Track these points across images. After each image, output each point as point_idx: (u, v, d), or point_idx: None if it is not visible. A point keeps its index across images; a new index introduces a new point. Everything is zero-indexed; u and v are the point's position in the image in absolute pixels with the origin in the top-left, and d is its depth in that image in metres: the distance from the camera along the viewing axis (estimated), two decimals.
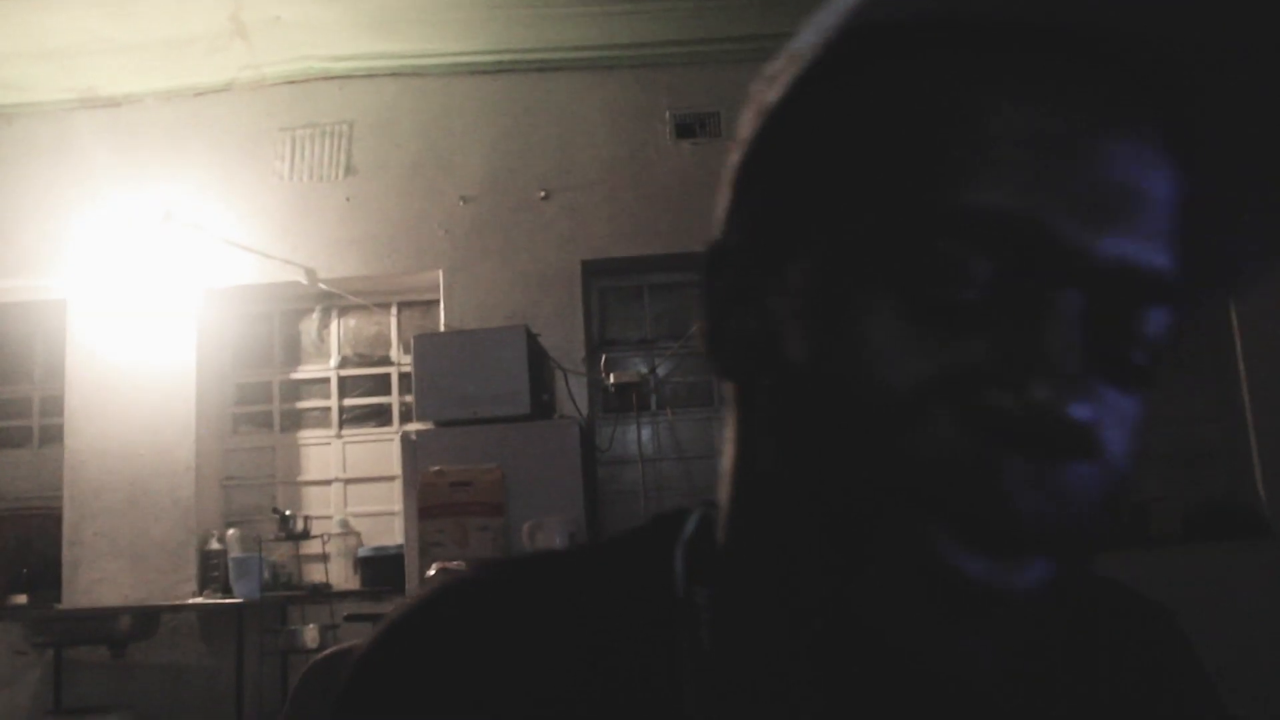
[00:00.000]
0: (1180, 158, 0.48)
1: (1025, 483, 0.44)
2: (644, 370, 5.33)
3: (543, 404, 4.28)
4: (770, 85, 0.51)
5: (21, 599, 4.94)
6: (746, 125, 0.54)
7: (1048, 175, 0.45)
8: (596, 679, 0.54)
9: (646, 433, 5.36)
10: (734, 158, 0.55)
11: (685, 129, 5.36)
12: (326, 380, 5.54)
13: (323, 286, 5.24)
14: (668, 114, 5.36)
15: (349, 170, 5.28)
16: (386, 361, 5.54)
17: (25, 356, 5.63)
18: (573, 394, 4.85)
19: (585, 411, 5.04)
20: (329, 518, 5.26)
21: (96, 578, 4.98)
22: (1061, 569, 0.46)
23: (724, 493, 0.57)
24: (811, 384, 0.48)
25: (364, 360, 5.56)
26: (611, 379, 5.21)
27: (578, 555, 0.62)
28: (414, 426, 4.27)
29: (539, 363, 4.33)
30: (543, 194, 5.26)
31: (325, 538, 5.14)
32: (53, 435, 5.41)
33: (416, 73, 5.23)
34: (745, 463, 0.55)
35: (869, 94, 0.49)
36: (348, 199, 5.25)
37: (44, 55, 4.83)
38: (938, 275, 0.45)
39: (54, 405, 5.42)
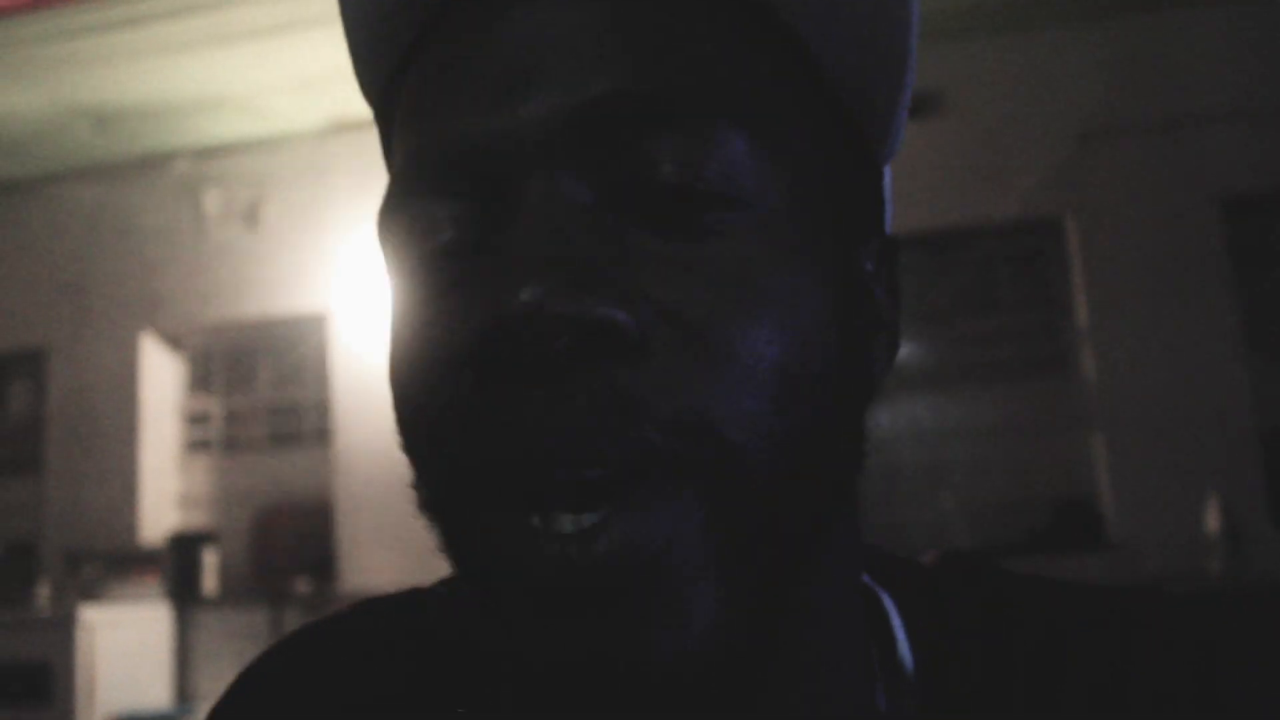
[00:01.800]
0: None
1: (532, 409, 0.35)
2: None
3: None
4: None
5: (303, 585, 5.38)
6: None
7: (447, 89, 0.40)
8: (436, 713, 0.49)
9: (880, 416, 5.32)
10: None
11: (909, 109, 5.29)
12: None
13: None
14: None
15: None
16: None
17: (297, 365, 6.12)
18: None
19: None
20: None
21: (367, 566, 5.38)
22: (695, 506, 0.36)
23: None
24: (393, 401, 0.43)
25: None
26: None
27: (436, 591, 0.55)
28: None
29: None
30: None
31: None
32: (324, 436, 5.86)
33: None
34: None
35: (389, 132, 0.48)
36: None
37: (298, 86, 5.22)
38: (412, 232, 0.41)
39: (326, 408, 5.87)
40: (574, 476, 0.35)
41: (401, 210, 0.41)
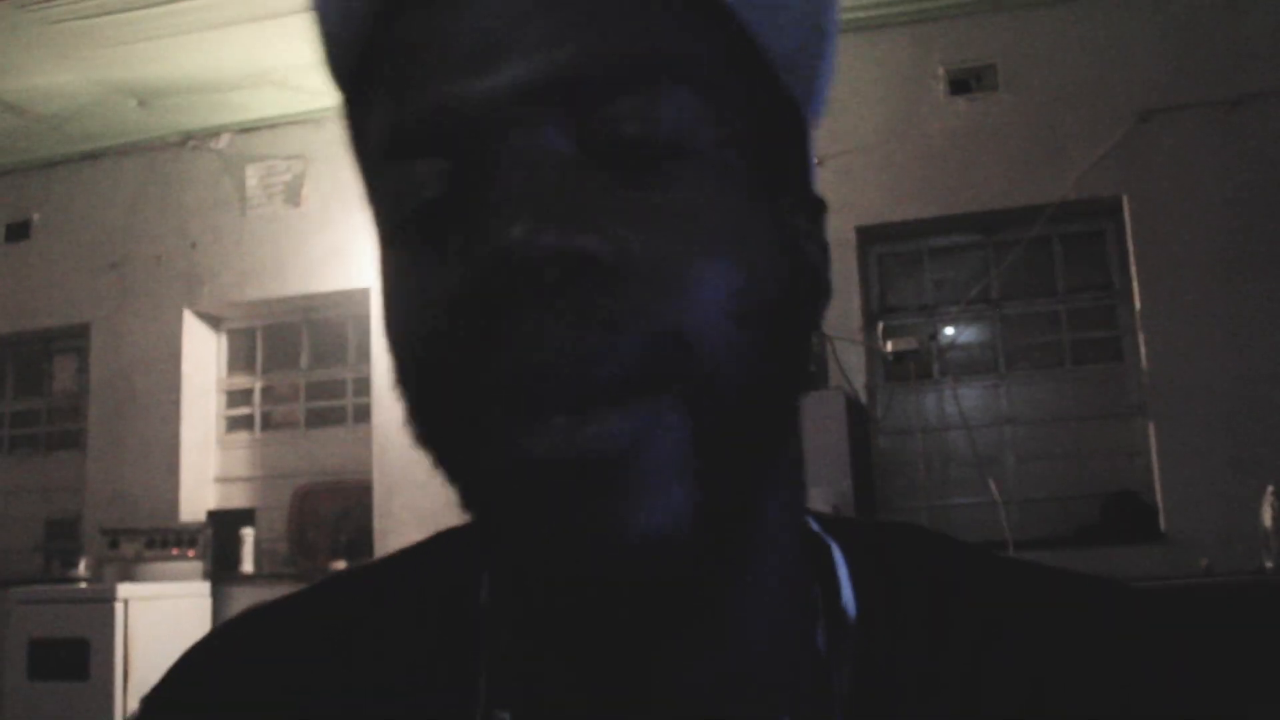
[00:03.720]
0: None
1: (527, 329, 0.39)
2: (924, 337, 5.19)
3: (809, 376, 4.26)
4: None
5: (340, 564, 5.39)
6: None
7: (425, 61, 0.44)
8: (387, 688, 0.52)
9: (929, 401, 5.22)
10: None
11: (960, 84, 5.16)
12: None
13: None
14: (941, 70, 5.17)
15: None
16: None
17: (339, 342, 6.12)
18: (841, 364, 4.78)
19: (863, 381, 4.97)
20: None
21: (403, 546, 5.37)
22: (671, 417, 0.40)
23: None
24: (389, 347, 0.47)
25: None
26: (889, 347, 5.10)
27: (378, 568, 0.60)
28: None
29: None
30: (815, 160, 5.21)
31: None
32: (365, 414, 5.85)
33: None
34: None
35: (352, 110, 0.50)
36: None
37: None
38: (399, 192, 0.45)
39: (365, 386, 5.86)
40: (567, 387, 0.39)
41: (387, 172, 0.45)
